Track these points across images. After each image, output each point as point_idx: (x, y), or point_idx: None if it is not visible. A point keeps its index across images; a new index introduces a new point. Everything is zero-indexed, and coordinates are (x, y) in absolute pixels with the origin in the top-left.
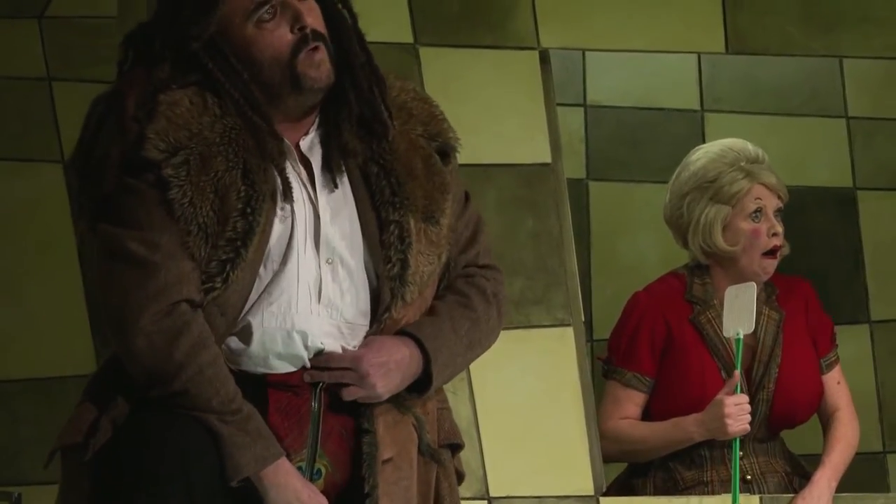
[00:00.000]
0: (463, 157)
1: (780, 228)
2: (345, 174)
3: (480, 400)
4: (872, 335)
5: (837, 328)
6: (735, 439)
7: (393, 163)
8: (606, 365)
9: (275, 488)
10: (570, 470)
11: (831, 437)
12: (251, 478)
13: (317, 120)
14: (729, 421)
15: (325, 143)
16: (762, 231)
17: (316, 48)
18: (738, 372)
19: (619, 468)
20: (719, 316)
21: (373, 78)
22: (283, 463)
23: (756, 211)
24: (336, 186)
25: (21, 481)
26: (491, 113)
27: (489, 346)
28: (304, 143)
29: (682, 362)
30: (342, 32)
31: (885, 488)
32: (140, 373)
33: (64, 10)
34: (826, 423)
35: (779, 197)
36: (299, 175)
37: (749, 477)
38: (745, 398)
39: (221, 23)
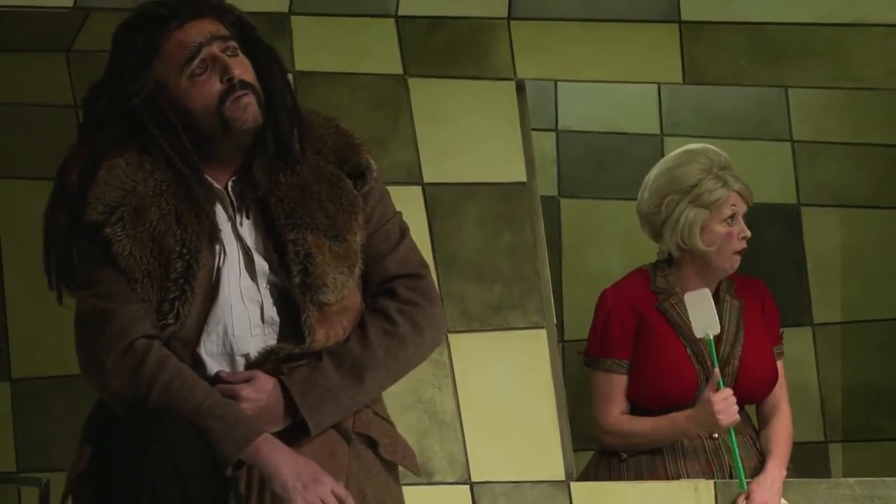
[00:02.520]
0: (446, 176)
1: (748, 232)
2: (257, 208)
3: (463, 394)
4: (815, 337)
5: (783, 330)
6: (730, 429)
7: (287, 191)
8: (587, 357)
9: (264, 462)
10: (544, 458)
11: (775, 429)
12: (242, 460)
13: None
14: (720, 416)
15: (241, 181)
16: (735, 234)
17: (242, 94)
18: (716, 369)
19: (590, 457)
20: (681, 302)
21: (295, 120)
22: (266, 438)
23: (730, 216)
24: (250, 220)
25: (49, 468)
26: (472, 137)
27: (411, 356)
28: (231, 184)
29: (653, 345)
30: (273, 82)
31: (826, 474)
32: (122, 407)
33: (89, 45)
34: (766, 409)
35: (746, 202)
36: (229, 214)
37: (715, 435)
38: (729, 392)
39: (159, 79)
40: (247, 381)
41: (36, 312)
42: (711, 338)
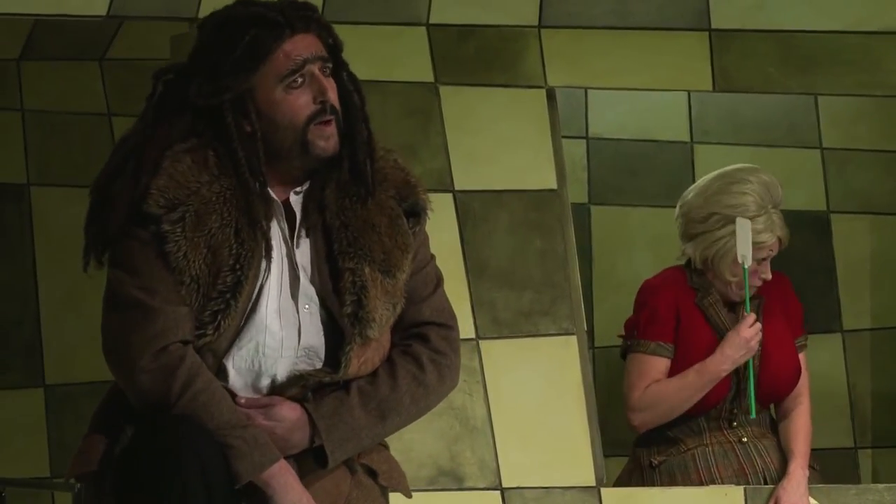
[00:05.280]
0: (478, 183)
1: (769, 276)
2: (318, 230)
3: (494, 400)
4: (844, 343)
5: (813, 337)
6: (749, 360)
7: (353, 218)
8: (629, 341)
9: (273, 489)
10: (575, 464)
11: (795, 427)
12: (254, 482)
13: (310, 180)
14: (747, 339)
15: (308, 199)
16: (758, 273)
17: (329, 121)
18: (749, 315)
19: (620, 463)
20: (719, 301)
21: (368, 151)
22: (281, 466)
23: (763, 258)
24: (308, 239)
25: None
26: (503, 144)
27: (429, 405)
28: (293, 199)
29: (692, 340)
30: (351, 110)
31: (856, 480)
32: (144, 406)
33: (122, 53)
34: (787, 400)
35: (782, 245)
36: (282, 231)
37: (745, 439)
38: (753, 316)
39: (256, 80)
40: (265, 407)
41: (70, 319)
42: (745, 267)
